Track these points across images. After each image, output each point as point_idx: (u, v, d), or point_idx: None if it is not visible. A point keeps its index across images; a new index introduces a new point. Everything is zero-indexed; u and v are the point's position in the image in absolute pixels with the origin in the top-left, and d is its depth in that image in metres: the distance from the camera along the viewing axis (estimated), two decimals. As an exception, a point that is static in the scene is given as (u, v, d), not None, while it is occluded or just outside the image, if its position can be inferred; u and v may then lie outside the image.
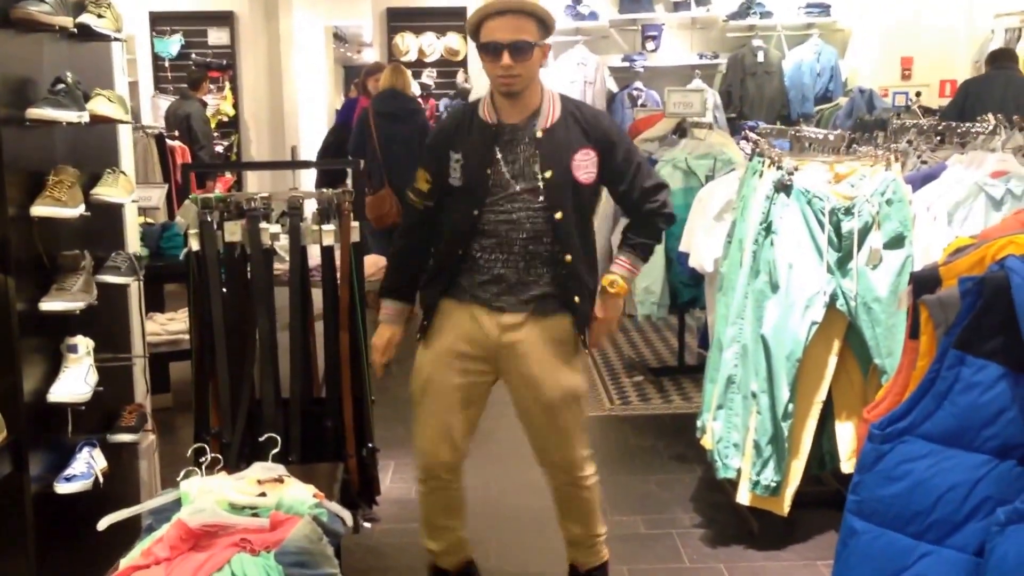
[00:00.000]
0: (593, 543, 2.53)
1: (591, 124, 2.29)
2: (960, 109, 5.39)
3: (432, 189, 2.34)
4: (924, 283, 1.50)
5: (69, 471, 2.29)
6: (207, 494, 1.95)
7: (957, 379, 1.41)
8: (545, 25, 2.22)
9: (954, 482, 1.42)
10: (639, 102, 8.04)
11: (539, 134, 2.24)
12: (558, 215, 2.24)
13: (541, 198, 2.24)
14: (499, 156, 2.25)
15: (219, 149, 7.84)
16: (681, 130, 4.55)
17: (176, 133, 6.51)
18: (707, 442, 3.04)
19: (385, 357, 2.47)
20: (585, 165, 2.25)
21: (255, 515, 1.95)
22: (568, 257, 2.28)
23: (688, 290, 4.31)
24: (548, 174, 2.22)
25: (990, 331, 1.39)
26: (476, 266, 2.30)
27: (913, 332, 1.51)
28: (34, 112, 2.15)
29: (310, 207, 2.94)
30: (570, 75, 8.03)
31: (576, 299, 2.31)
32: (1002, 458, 1.40)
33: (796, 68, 8.18)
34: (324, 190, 2.83)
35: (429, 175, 2.34)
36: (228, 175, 7.31)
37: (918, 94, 7.53)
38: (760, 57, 8.11)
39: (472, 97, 8.21)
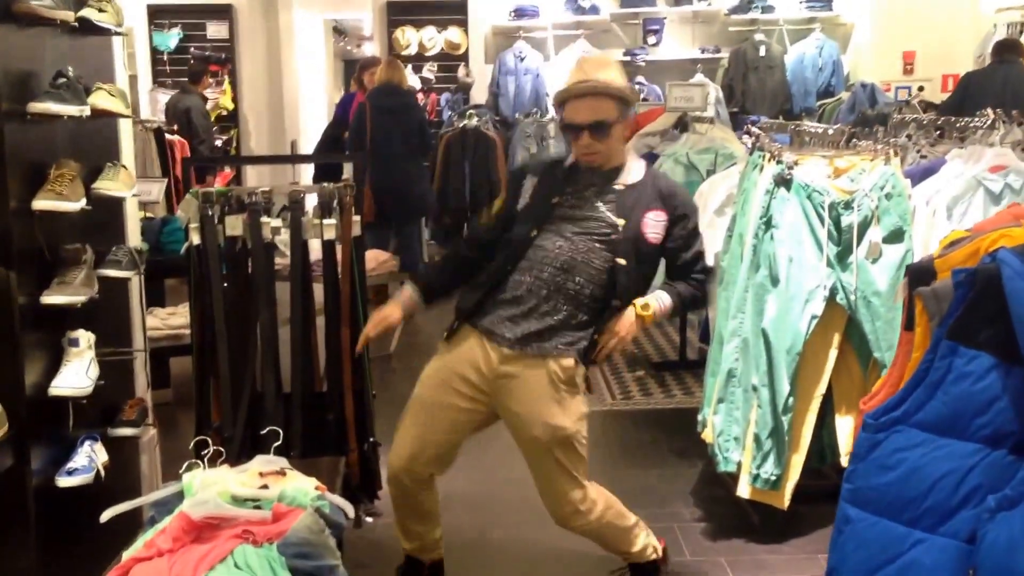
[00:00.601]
0: (624, 557, 2.59)
1: (668, 192, 2.41)
2: (959, 103, 5.38)
3: (502, 214, 2.44)
4: (919, 275, 1.52)
5: (71, 465, 2.30)
6: (209, 486, 1.96)
7: (950, 369, 1.43)
8: (626, 101, 2.34)
9: (947, 470, 1.44)
10: (641, 96, 8.04)
11: (619, 187, 2.35)
12: (621, 261, 2.30)
13: (602, 242, 2.31)
14: (568, 191, 2.36)
15: (218, 143, 7.83)
16: (682, 124, 4.55)
17: (175, 127, 6.51)
18: (708, 436, 3.05)
19: (375, 330, 2.45)
20: (654, 225, 2.35)
21: (257, 507, 1.95)
22: (617, 303, 2.33)
23: (689, 285, 4.31)
24: (621, 223, 2.31)
25: (982, 322, 1.41)
26: (504, 284, 2.35)
27: (908, 324, 1.52)
28: (36, 106, 2.16)
29: (311, 201, 2.94)
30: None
31: (596, 333, 2.34)
32: (994, 447, 1.43)
33: (798, 62, 8.17)
34: (325, 184, 2.83)
35: (506, 197, 2.46)
36: (228, 169, 7.31)
37: (920, 88, 7.52)
38: (762, 51, 8.10)
39: (473, 91, 8.20)
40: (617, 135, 2.33)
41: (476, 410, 2.38)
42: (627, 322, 2.33)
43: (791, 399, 2.81)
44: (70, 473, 2.28)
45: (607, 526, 2.46)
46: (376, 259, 5.32)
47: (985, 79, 5.68)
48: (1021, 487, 1.32)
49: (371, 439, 3.05)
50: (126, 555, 1.86)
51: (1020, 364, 1.35)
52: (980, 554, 1.35)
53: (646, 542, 2.58)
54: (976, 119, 3.02)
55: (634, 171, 2.39)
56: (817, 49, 8.17)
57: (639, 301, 2.36)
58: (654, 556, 2.60)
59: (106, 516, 1.99)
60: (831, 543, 1.59)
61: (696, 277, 2.44)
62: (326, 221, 2.77)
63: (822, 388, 2.88)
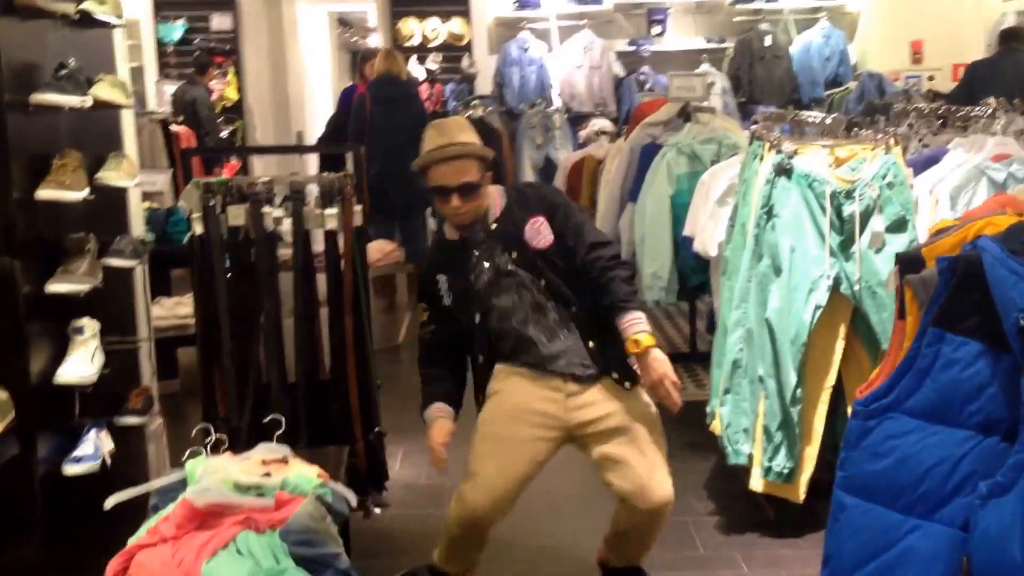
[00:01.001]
0: (640, 558, 2.54)
1: (531, 196, 2.44)
2: (967, 92, 5.35)
3: (432, 315, 2.50)
4: (909, 264, 1.52)
5: (77, 453, 2.31)
6: (212, 474, 1.98)
7: (938, 356, 1.43)
8: (486, 162, 2.39)
9: (939, 457, 1.44)
10: (647, 87, 8.02)
11: (492, 227, 2.39)
12: (542, 282, 2.37)
13: (523, 274, 2.37)
14: (473, 263, 2.38)
15: (224, 135, 7.85)
16: (686, 114, 4.53)
17: (181, 118, 6.52)
18: (716, 427, 3.02)
19: (445, 449, 2.37)
20: (537, 232, 2.38)
21: (260, 495, 1.97)
22: (574, 308, 2.38)
23: (697, 275, 4.28)
24: (514, 255, 2.37)
25: (968, 309, 1.41)
26: (506, 356, 2.41)
27: (901, 312, 1.53)
28: (38, 97, 2.18)
29: (314, 192, 2.95)
30: (576, 60, 8.00)
31: (591, 344, 2.37)
32: (986, 434, 1.43)
33: (804, 52, 8.11)
34: (325, 174, 2.84)
35: (426, 304, 2.51)
36: (234, 161, 7.33)
37: (931, 78, 7.45)
38: (767, 41, 8.05)
39: (478, 81, 8.19)
40: (483, 194, 2.37)
41: (553, 438, 2.37)
42: (653, 365, 2.26)
43: (799, 390, 2.78)
44: (76, 461, 2.29)
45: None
46: (381, 250, 5.34)
47: (992, 68, 5.64)
48: (1011, 473, 1.33)
49: (376, 428, 3.06)
50: (130, 542, 1.88)
51: (1008, 350, 1.36)
52: (973, 542, 1.36)
53: None
54: (977, 108, 3.01)
55: (497, 204, 2.42)
56: (824, 38, 8.12)
57: (630, 345, 2.28)
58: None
59: (110, 503, 2.02)
60: (827, 531, 1.59)
61: (609, 265, 2.34)
62: (327, 211, 2.78)
63: (831, 379, 2.84)
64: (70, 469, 2.27)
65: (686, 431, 3.72)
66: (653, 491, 2.29)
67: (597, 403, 2.35)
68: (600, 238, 2.42)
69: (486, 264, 2.38)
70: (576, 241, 2.37)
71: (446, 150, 2.33)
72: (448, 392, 2.47)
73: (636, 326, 2.28)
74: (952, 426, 1.44)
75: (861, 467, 1.50)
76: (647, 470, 2.31)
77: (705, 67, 7.94)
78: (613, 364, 2.38)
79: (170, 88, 7.40)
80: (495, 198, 2.44)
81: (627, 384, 2.38)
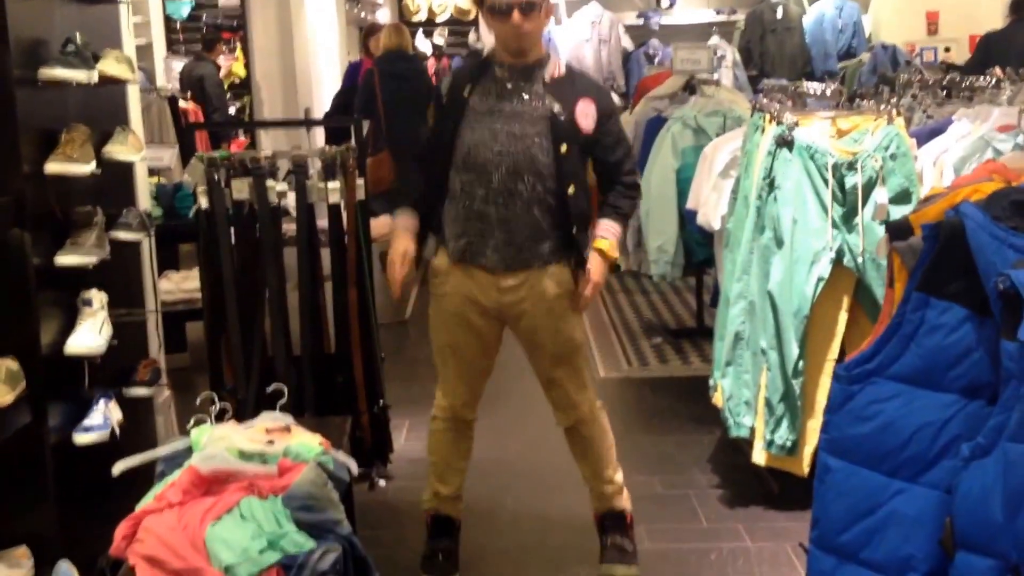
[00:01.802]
0: (603, 488, 2.58)
1: (594, 85, 2.56)
2: (982, 64, 5.28)
3: (435, 118, 2.47)
4: (897, 231, 1.54)
5: (86, 422, 2.35)
6: (217, 442, 2.02)
7: (922, 321, 1.45)
8: None
9: (924, 421, 1.46)
10: (656, 60, 7.96)
11: (547, 79, 2.38)
12: (563, 148, 2.35)
13: (540, 133, 2.35)
14: (507, 89, 2.37)
15: (232, 111, 7.86)
16: (691, 87, 4.51)
17: (189, 95, 6.53)
18: (718, 400, 3.03)
19: (404, 271, 2.44)
20: (585, 113, 2.39)
21: (263, 462, 2.01)
22: (571, 189, 2.39)
23: (703, 249, 4.29)
24: (557, 109, 2.36)
25: (952, 274, 1.43)
26: (457, 201, 2.39)
27: (891, 280, 1.54)
28: (46, 72, 2.21)
29: (317, 166, 2.97)
30: (584, 33, 7.95)
31: (574, 230, 2.41)
32: (971, 398, 1.44)
33: (817, 23, 8.02)
34: (327, 147, 2.86)
35: (436, 109, 2.46)
36: (242, 137, 7.34)
37: (947, 50, 7.36)
38: (779, 13, 7.96)
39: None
40: (542, 20, 2.36)
41: (494, 329, 2.50)
42: (597, 269, 2.43)
43: (801, 362, 2.78)
44: (86, 430, 2.33)
45: (604, 439, 2.56)
46: (387, 225, 5.34)
47: (1006, 38, 5.58)
48: (992, 435, 1.34)
49: (381, 401, 3.11)
50: (138, 508, 1.93)
51: (992, 315, 1.37)
52: (956, 503, 1.38)
53: (623, 483, 2.61)
54: (982, 78, 2.99)
55: (559, 66, 2.43)
56: (836, 9, 8.02)
57: (597, 242, 2.43)
58: (622, 507, 2.61)
59: (117, 469, 2.07)
60: (814, 493, 1.62)
61: (626, 180, 2.49)
62: (330, 184, 2.80)
63: (834, 352, 2.84)
64: (80, 438, 2.32)
65: (692, 405, 3.73)
66: (577, 407, 2.51)
67: (529, 298, 2.40)
68: (632, 157, 2.55)
69: (512, 92, 2.35)
70: (611, 141, 2.44)
71: None
72: (420, 197, 2.47)
73: (612, 233, 2.44)
74: (936, 391, 1.46)
75: (844, 431, 1.52)
76: (575, 388, 2.50)
77: (715, 40, 7.87)
78: (580, 256, 2.42)
79: (178, 65, 7.39)
80: (557, 61, 2.45)
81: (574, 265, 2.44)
